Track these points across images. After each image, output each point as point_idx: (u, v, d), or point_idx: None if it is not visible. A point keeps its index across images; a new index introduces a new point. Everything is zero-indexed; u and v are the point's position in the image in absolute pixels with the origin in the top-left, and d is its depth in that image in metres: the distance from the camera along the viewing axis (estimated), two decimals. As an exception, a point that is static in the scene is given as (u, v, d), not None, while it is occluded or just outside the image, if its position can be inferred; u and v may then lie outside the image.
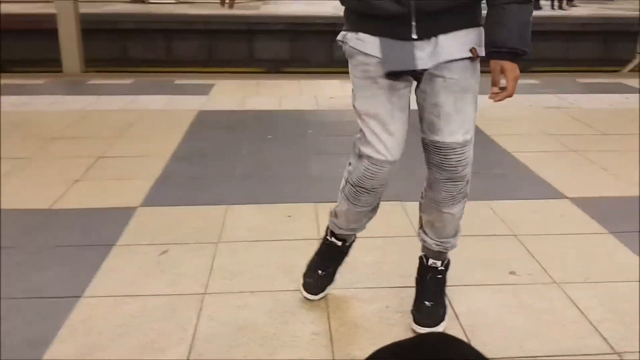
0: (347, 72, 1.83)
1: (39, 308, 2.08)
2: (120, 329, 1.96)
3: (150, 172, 3.51)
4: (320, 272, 2.16)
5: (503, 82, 1.73)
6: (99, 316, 2.03)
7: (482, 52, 1.75)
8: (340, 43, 1.82)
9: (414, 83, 1.80)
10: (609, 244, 2.63)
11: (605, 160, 3.82)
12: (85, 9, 8.74)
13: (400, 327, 1.99)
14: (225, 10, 13.62)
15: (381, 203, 1.99)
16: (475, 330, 1.98)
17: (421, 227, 2.04)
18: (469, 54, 1.73)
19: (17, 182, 3.35)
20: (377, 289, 2.23)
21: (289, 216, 2.89)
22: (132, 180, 3.39)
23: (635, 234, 2.70)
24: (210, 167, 3.67)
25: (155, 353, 1.84)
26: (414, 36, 1.67)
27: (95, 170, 3.57)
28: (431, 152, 1.81)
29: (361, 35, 1.75)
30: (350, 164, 1.89)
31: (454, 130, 1.75)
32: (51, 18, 7.36)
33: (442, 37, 1.70)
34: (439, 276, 2.06)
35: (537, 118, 4.99)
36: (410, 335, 1.47)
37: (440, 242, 2.00)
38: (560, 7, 15.65)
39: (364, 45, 1.75)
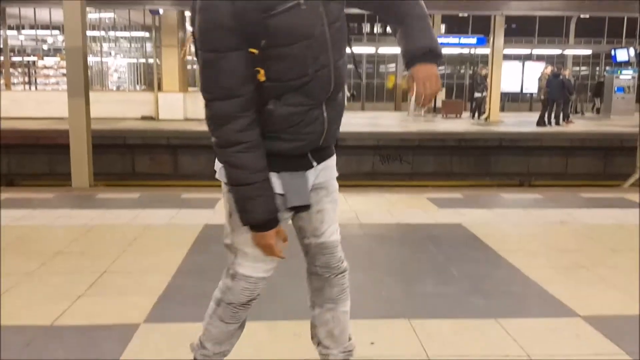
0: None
1: None
2: None
3: (154, 287, 3.46)
4: None
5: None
6: None
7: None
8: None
9: None
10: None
11: (617, 277, 3.77)
12: (97, 125, 9.02)
13: None
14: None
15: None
16: None
17: (320, 343, 2.11)
18: (336, 174, 2.02)
19: (19, 298, 3.30)
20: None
21: (296, 334, 2.81)
22: (135, 296, 3.34)
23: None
24: (216, 282, 3.60)
25: None
26: (314, 164, 1.90)
27: (99, 286, 3.53)
28: (316, 255, 2.01)
29: None
30: (220, 287, 2.09)
31: (335, 231, 2.02)
32: (65, 134, 7.59)
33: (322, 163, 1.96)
34: None
35: (544, 233, 4.98)
36: None
37: (345, 350, 2.10)
38: (558, 124, 16.14)
39: None
